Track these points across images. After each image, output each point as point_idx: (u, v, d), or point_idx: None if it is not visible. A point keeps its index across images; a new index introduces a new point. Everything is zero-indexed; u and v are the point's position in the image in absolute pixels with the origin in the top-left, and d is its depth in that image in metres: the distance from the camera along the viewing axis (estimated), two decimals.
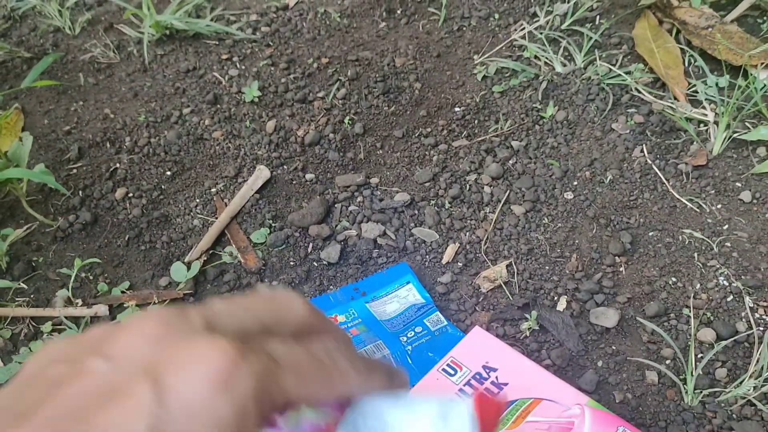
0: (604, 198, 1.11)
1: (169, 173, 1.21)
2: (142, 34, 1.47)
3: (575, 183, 1.13)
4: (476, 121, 1.23)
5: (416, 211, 1.12)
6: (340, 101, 1.28)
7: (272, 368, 0.27)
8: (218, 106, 1.31)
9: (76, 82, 1.41)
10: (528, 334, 0.97)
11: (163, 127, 1.29)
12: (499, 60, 1.30)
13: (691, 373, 0.90)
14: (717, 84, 1.21)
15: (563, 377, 0.89)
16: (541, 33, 1.33)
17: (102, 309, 1.03)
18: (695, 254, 1.04)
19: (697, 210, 1.09)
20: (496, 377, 0.86)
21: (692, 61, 1.25)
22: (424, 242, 1.08)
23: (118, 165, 1.23)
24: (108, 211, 1.16)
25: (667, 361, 0.94)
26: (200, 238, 1.10)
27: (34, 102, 1.37)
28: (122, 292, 1.05)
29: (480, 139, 1.20)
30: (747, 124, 1.17)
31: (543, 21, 1.35)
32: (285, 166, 1.20)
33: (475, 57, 1.32)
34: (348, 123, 1.24)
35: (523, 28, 1.35)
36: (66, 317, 1.03)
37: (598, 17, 1.35)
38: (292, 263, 1.07)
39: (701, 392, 0.89)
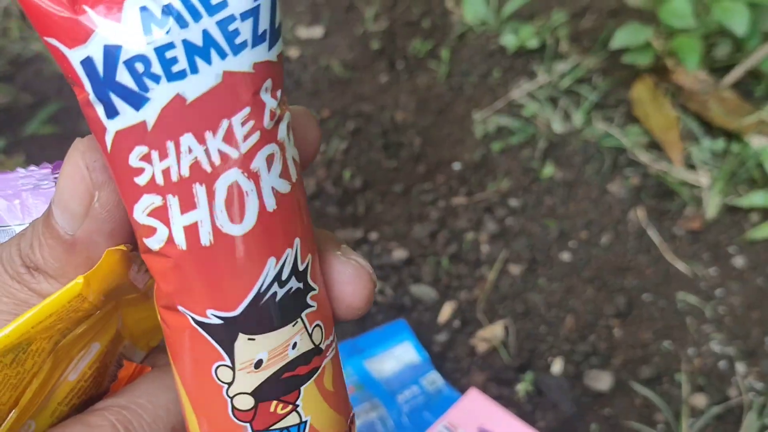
0: (599, 260, 1.13)
1: None
2: None
3: (571, 244, 1.15)
4: (475, 179, 1.25)
5: (414, 268, 1.13)
6: (341, 155, 1.30)
7: None
8: None
9: (79, 129, 1.43)
10: (523, 396, 0.98)
11: None
12: (499, 117, 1.32)
13: None
14: (711, 149, 1.23)
15: None
16: (540, 90, 1.35)
17: None
18: (688, 318, 1.06)
19: (691, 274, 1.10)
20: None
21: (687, 124, 1.28)
22: (421, 300, 1.09)
23: None
24: None
25: (660, 425, 0.95)
26: None
27: (37, 148, 1.39)
28: None
29: (478, 197, 1.22)
30: (741, 189, 1.19)
31: (542, 80, 1.37)
32: None
33: (475, 114, 1.35)
34: (348, 177, 1.26)
35: (522, 87, 1.38)
36: None
37: (594, 77, 1.38)
38: None
39: None
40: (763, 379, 1.00)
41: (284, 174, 0.25)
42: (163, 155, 0.23)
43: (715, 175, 1.19)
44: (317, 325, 0.27)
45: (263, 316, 0.25)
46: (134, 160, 0.23)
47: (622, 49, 1.33)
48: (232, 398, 0.26)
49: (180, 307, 0.25)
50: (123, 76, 0.23)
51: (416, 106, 1.38)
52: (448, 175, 1.26)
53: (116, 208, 0.25)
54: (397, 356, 1.01)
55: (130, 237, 0.26)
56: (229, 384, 0.26)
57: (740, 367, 1.01)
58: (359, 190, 1.25)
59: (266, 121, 0.24)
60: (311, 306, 0.27)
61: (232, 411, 0.26)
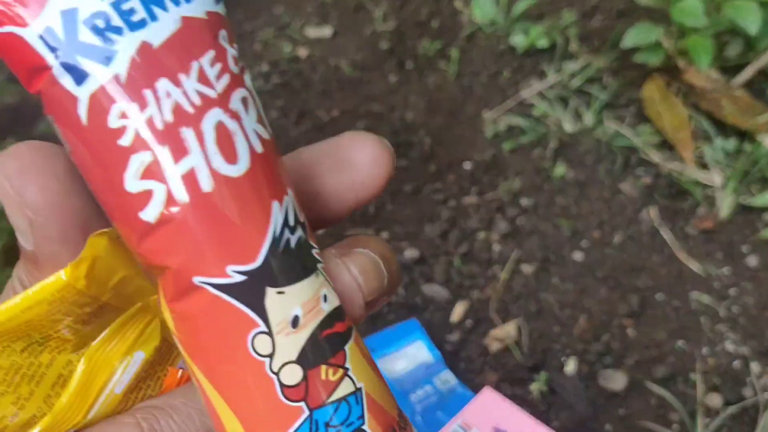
0: (612, 259, 1.12)
1: None
2: None
3: (584, 243, 1.14)
4: (486, 178, 1.24)
5: (426, 268, 1.13)
6: None
7: None
8: None
9: None
10: (536, 396, 0.97)
11: None
12: (509, 117, 1.32)
13: None
14: (723, 148, 1.23)
15: None
16: (550, 90, 1.35)
17: None
18: (702, 318, 1.05)
19: (704, 274, 1.10)
20: None
21: (699, 123, 1.27)
22: (433, 300, 1.09)
23: None
24: None
25: (675, 425, 0.95)
26: None
27: None
28: None
29: (490, 196, 1.21)
30: (753, 188, 1.19)
31: (552, 79, 1.37)
32: None
33: (485, 113, 1.34)
34: None
35: (532, 87, 1.37)
36: None
37: (604, 76, 1.38)
38: None
39: None
40: None
41: (260, 121, 0.25)
42: (143, 105, 0.23)
43: (728, 175, 1.18)
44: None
45: (286, 264, 0.24)
46: (114, 120, 0.23)
47: (633, 49, 1.33)
48: (277, 374, 0.24)
49: (196, 279, 0.24)
50: (85, 35, 0.23)
51: (426, 106, 1.38)
52: (459, 175, 1.25)
53: (54, 207, 0.24)
54: (410, 356, 1.01)
55: (89, 232, 0.25)
56: (271, 356, 0.24)
57: (755, 366, 1.00)
58: None
59: (232, 65, 0.25)
60: (321, 261, 0.26)
61: (282, 391, 0.24)
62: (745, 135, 1.25)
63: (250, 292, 0.24)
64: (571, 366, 1.01)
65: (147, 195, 0.23)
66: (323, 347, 0.25)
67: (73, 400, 0.26)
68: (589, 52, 1.43)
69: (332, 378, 0.25)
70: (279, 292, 0.24)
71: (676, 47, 1.32)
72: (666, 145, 1.26)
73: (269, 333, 0.24)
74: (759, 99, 1.29)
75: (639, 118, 1.31)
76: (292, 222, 0.25)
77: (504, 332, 1.03)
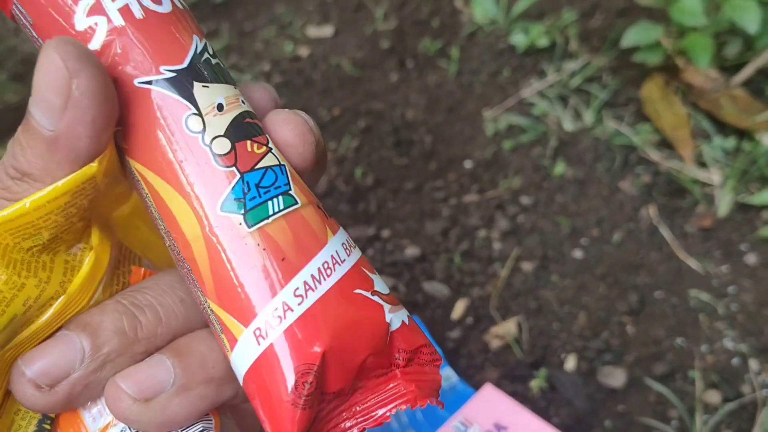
0: (611, 257, 1.13)
1: None
2: None
3: (583, 241, 1.15)
4: (486, 176, 1.25)
5: (427, 265, 1.13)
6: (352, 153, 1.31)
7: None
8: None
9: None
10: (536, 392, 0.98)
11: None
12: (509, 116, 1.33)
13: None
14: (722, 147, 1.23)
15: None
16: (550, 89, 1.36)
17: None
18: (700, 315, 1.06)
19: (703, 271, 1.11)
20: None
21: (698, 122, 1.28)
22: (434, 297, 1.09)
23: None
24: None
25: (674, 422, 0.96)
26: None
27: None
28: None
29: (490, 194, 1.22)
30: (752, 187, 1.20)
31: (552, 78, 1.38)
32: None
33: (485, 112, 1.35)
34: (359, 175, 1.26)
35: (532, 86, 1.38)
36: None
37: (604, 76, 1.38)
38: None
39: None
40: None
41: None
42: None
43: (727, 173, 1.19)
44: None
45: (208, 69, 0.30)
46: None
47: (633, 48, 1.33)
48: (210, 145, 0.29)
49: (137, 81, 0.29)
50: None
51: (427, 105, 1.39)
52: (460, 173, 1.26)
53: (96, 94, 0.27)
54: None
55: (112, 125, 0.29)
56: (202, 131, 0.29)
57: (753, 364, 1.01)
58: (371, 187, 1.25)
59: None
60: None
61: (215, 158, 0.29)
62: (743, 134, 1.25)
63: (180, 84, 0.29)
64: (570, 363, 1.02)
65: (92, 30, 0.29)
66: (247, 128, 0.30)
67: (83, 286, 0.31)
68: (588, 51, 1.43)
69: (257, 151, 0.29)
70: (204, 86, 0.29)
71: (675, 46, 1.33)
72: (665, 144, 1.27)
73: (199, 114, 0.29)
74: (758, 98, 1.29)
75: (638, 117, 1.31)
76: (210, 51, 0.31)
77: (504, 329, 1.04)
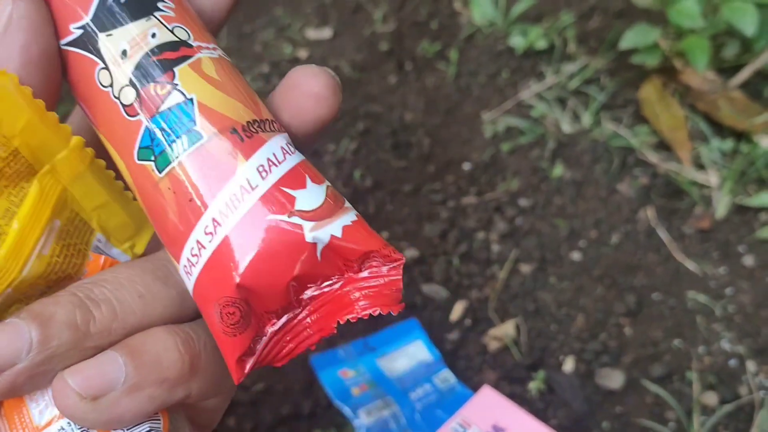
0: (609, 259, 1.13)
1: None
2: None
3: (581, 243, 1.15)
4: (484, 179, 1.25)
5: (425, 267, 1.14)
6: (350, 155, 1.31)
7: None
8: None
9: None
10: (534, 394, 0.99)
11: None
12: (508, 118, 1.33)
13: None
14: (720, 149, 1.24)
15: None
16: (548, 91, 1.36)
17: None
18: (698, 317, 1.06)
19: (701, 273, 1.11)
20: None
21: (696, 124, 1.28)
22: (432, 299, 1.10)
23: None
24: None
25: (671, 423, 0.96)
26: None
27: None
28: None
29: (488, 197, 1.22)
30: (750, 189, 1.20)
31: (550, 81, 1.38)
32: None
33: (484, 114, 1.35)
34: (358, 177, 1.27)
35: (531, 88, 1.38)
36: None
37: (602, 78, 1.39)
38: None
39: None
40: None
41: None
42: None
43: (725, 175, 1.19)
44: (179, 26, 0.31)
45: (115, 12, 0.30)
46: None
47: (631, 50, 1.34)
48: (119, 98, 0.30)
49: (62, 44, 0.30)
50: None
51: (425, 107, 1.39)
52: (458, 175, 1.26)
53: (32, 21, 0.29)
54: (410, 354, 1.02)
55: (44, 60, 0.30)
56: (111, 85, 0.30)
57: (751, 365, 1.01)
58: (369, 189, 1.25)
59: None
60: (165, 11, 0.31)
61: (124, 110, 0.30)
62: (741, 136, 1.26)
63: (87, 40, 0.30)
64: (568, 364, 1.02)
65: None
66: (150, 71, 0.30)
67: (10, 254, 0.30)
68: (587, 53, 1.44)
69: (160, 92, 0.30)
70: (108, 35, 0.30)
71: (673, 48, 1.33)
72: (663, 146, 1.27)
73: (107, 68, 0.30)
74: (755, 100, 1.30)
75: (636, 119, 1.32)
76: None
77: (502, 331, 1.04)
